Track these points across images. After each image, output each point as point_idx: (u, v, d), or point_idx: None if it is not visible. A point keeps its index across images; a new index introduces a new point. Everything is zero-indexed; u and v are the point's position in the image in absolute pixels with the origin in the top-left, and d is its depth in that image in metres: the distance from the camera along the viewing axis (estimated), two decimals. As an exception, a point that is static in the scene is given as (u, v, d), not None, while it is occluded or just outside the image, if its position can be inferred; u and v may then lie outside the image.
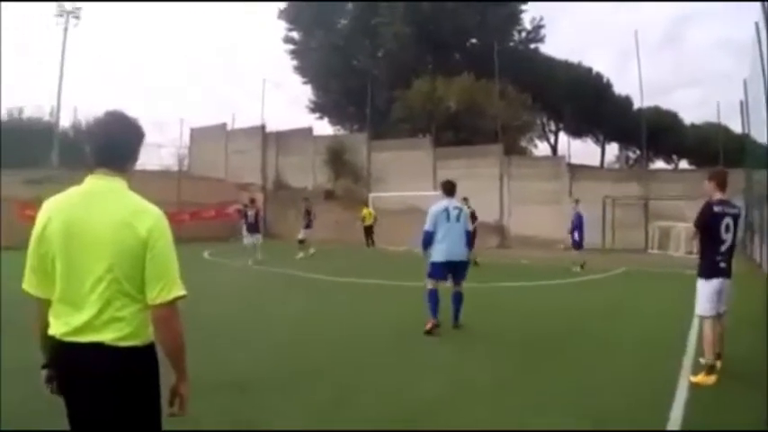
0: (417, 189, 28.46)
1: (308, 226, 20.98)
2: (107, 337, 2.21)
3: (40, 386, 2.45)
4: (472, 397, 5.33)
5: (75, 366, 2.25)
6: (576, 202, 18.98)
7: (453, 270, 8.20)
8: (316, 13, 44.71)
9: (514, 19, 43.88)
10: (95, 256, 2.23)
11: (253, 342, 7.59)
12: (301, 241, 20.61)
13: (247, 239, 19.11)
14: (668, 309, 9.74)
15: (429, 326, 7.85)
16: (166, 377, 2.41)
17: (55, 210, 2.31)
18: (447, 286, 8.33)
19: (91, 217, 2.26)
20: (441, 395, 5.35)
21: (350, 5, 45.18)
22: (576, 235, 17.89)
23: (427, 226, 8.14)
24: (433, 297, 8.03)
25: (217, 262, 19.48)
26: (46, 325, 2.32)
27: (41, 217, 2.32)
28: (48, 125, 39.51)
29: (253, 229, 19.07)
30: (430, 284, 8.14)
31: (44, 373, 2.43)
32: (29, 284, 2.37)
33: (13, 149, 37.69)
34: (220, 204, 31.74)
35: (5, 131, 39.33)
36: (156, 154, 57.97)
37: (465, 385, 5.68)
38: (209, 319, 8.72)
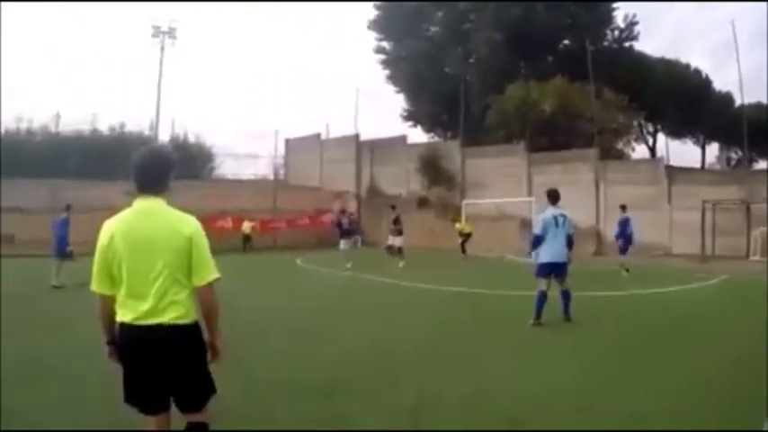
0: (512, 195, 28.43)
1: (400, 233, 20.83)
2: (167, 318, 3.05)
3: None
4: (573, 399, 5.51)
5: (143, 343, 3.05)
6: (623, 208, 18.59)
7: (556, 270, 9.34)
8: (405, 22, 45.21)
9: (607, 18, 42.88)
10: (153, 258, 3.06)
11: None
12: (390, 247, 20.88)
13: (343, 245, 19.95)
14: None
15: (532, 322, 9.10)
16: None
17: (115, 227, 3.14)
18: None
19: (145, 229, 3.09)
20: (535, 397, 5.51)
21: (440, 13, 45.41)
22: (621, 241, 17.98)
23: (538, 230, 9.44)
24: (542, 298, 9.16)
25: (307, 268, 20.28)
26: (112, 314, 3.16)
27: (105, 233, 3.16)
28: (148, 139, 41.60)
29: (347, 235, 20.13)
30: (542, 285, 9.22)
31: (107, 348, 3.27)
32: (96, 286, 3.19)
33: (117, 162, 40.00)
34: (315, 212, 32.72)
35: (109, 145, 41.82)
36: (253, 164, 60.23)
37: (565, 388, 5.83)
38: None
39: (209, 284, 3.15)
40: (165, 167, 3.28)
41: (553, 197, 9.57)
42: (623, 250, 17.99)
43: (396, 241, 20.76)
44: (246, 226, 29.42)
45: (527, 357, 7.47)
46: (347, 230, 20.21)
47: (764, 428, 4.63)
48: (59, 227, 14.44)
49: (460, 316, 10.94)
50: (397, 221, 21.08)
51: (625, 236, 17.93)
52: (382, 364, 7.01)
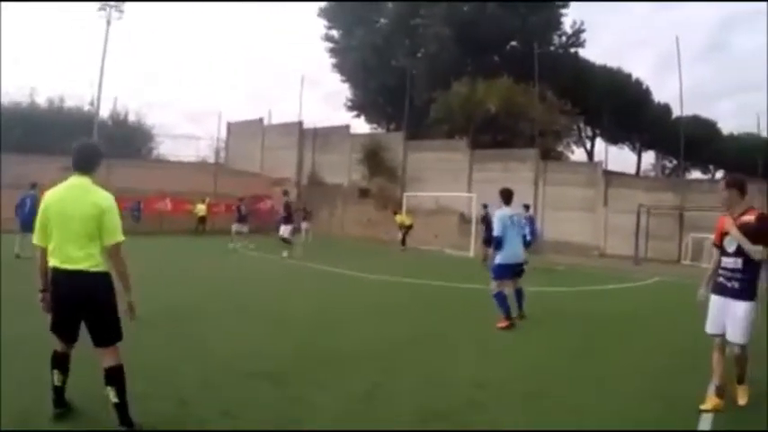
0: (452, 190, 28.54)
1: (288, 222, 19.58)
2: (82, 265, 3.97)
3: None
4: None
5: (64, 283, 4.01)
6: (527, 207, 19.09)
7: (514, 270, 9.20)
8: (355, 12, 44.95)
9: (555, 23, 43.49)
10: (75, 220, 3.98)
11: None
12: (286, 240, 19.26)
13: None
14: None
15: (504, 324, 8.59)
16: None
17: (51, 195, 4.11)
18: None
19: (72, 199, 4.04)
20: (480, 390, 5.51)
21: (390, 5, 45.31)
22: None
23: (497, 231, 8.99)
24: (503, 298, 8.80)
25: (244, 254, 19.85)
26: (46, 263, 4.11)
27: (44, 199, 4.14)
28: (88, 115, 40.25)
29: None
30: (497, 287, 8.85)
31: (40, 295, 4.19)
32: (36, 239, 4.14)
33: (53, 137, 38.60)
34: (254, 198, 32.15)
35: (47, 118, 40.31)
36: (194, 146, 59.12)
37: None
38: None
39: (115, 245, 4.07)
40: (94, 155, 4.26)
41: (506, 197, 9.25)
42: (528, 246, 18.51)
43: (284, 230, 19.47)
44: (200, 208, 28.56)
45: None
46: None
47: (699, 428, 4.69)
48: (27, 203, 15.01)
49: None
50: (287, 209, 19.84)
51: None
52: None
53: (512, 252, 9.01)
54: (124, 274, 4.14)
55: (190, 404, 4.72)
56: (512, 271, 9.13)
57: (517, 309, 9.19)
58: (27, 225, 14.11)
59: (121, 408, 4.01)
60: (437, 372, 6.08)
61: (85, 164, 4.19)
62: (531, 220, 18.70)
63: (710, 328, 5.24)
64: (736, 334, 5.03)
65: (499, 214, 9.13)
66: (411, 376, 5.86)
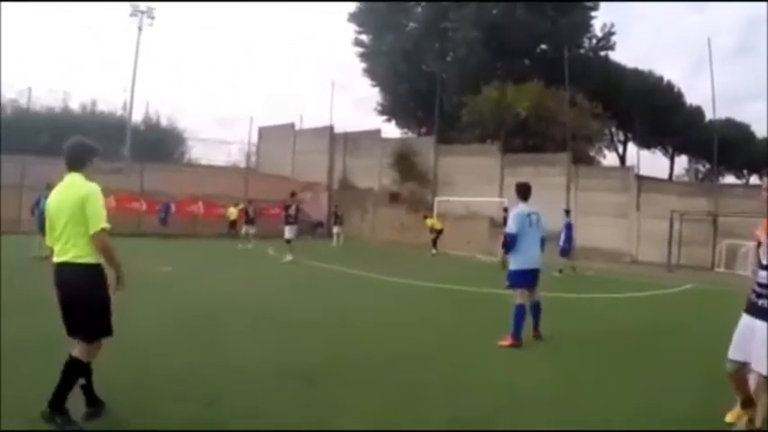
0: (483, 195, 28.57)
1: (291, 223, 19.63)
2: (68, 256, 4.14)
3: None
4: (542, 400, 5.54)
5: (56, 275, 4.21)
6: (567, 212, 19.21)
7: (532, 278, 8.01)
8: (385, 17, 45.12)
9: (585, 26, 43.25)
10: (64, 215, 4.15)
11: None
12: (288, 241, 19.37)
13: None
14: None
15: (508, 342, 7.56)
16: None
17: (50, 198, 4.32)
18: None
19: (63, 195, 4.23)
20: (509, 396, 5.60)
21: (419, 9, 45.44)
22: (565, 243, 18.62)
23: (512, 228, 7.86)
24: (522, 313, 7.67)
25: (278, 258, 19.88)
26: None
27: (47, 203, 4.35)
28: (120, 119, 40.96)
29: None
30: (519, 298, 7.78)
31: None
32: (48, 241, 4.37)
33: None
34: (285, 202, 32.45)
35: (81, 123, 41.05)
36: (225, 150, 59.69)
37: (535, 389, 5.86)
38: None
39: (98, 232, 4.13)
40: (82, 151, 4.43)
41: (523, 192, 8.13)
42: (563, 253, 18.61)
43: (288, 232, 19.49)
44: (232, 212, 28.93)
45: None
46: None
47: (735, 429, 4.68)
48: (41, 203, 14.47)
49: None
50: (286, 209, 20.04)
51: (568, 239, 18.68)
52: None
53: (528, 256, 7.85)
54: (112, 260, 4.26)
55: (216, 405, 4.77)
56: (529, 278, 7.92)
57: (533, 325, 8.07)
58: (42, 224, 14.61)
59: (57, 396, 4.06)
60: (467, 377, 6.14)
61: (75, 161, 4.35)
62: (569, 227, 18.75)
63: (732, 352, 4.46)
64: (760, 363, 4.19)
65: (516, 211, 8.04)
66: (441, 381, 5.90)
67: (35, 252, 14.16)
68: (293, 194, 20.64)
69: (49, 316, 4.58)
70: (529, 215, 7.93)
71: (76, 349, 4.17)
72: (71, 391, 4.12)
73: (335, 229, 29.17)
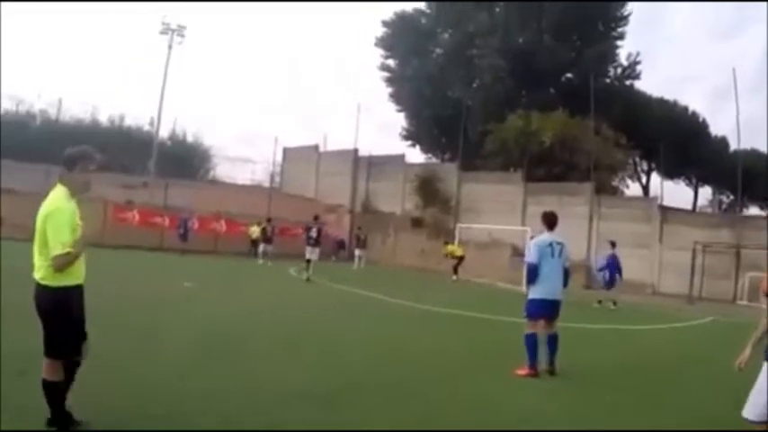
0: (506, 223, 28.60)
1: (312, 244, 20.32)
2: (37, 276, 3.99)
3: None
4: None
5: (34, 293, 4.03)
6: (613, 244, 19.19)
7: (550, 308, 7.76)
8: (412, 42, 45.58)
9: (611, 55, 43.40)
10: (36, 233, 3.96)
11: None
12: (308, 261, 20.04)
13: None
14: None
15: (525, 372, 7.41)
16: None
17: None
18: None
19: (39, 213, 3.99)
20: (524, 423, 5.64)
21: (446, 36, 45.85)
22: (607, 275, 18.62)
23: (533, 258, 7.72)
24: (533, 342, 7.53)
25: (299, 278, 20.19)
26: None
27: None
28: (147, 135, 41.65)
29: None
30: (529, 328, 7.66)
31: None
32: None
33: (114, 155, 40.04)
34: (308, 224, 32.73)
35: (109, 136, 41.85)
36: (249, 169, 60.24)
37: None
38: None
39: (53, 258, 3.86)
40: (67, 160, 4.14)
41: (549, 221, 8.01)
42: (609, 285, 18.65)
43: (311, 253, 20.13)
44: (254, 231, 29.28)
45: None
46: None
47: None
48: None
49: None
50: (307, 230, 21.04)
51: (612, 271, 18.58)
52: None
53: (548, 285, 7.60)
54: (77, 256, 4.03)
55: (234, 422, 4.77)
56: (548, 309, 7.67)
57: (548, 359, 7.66)
58: None
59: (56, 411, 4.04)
60: (483, 404, 6.20)
61: (67, 162, 4.15)
62: (614, 259, 18.69)
63: (748, 410, 4.03)
64: None
65: (537, 240, 7.95)
66: (461, 408, 5.93)
67: None
68: (316, 218, 21.24)
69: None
70: (551, 244, 7.72)
71: (44, 362, 4.06)
72: (62, 405, 4.10)
73: (357, 252, 29.38)
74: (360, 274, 23.32)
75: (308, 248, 20.07)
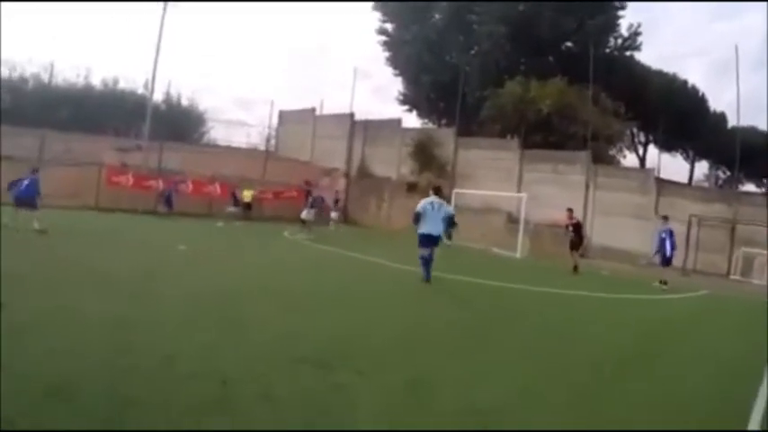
0: (502, 189, 28.50)
1: (312, 206, 23.14)
2: None
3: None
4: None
5: None
6: (665, 218, 18.84)
7: (430, 241, 12.15)
8: (411, 7, 44.99)
9: (612, 25, 42.97)
10: None
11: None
12: (303, 221, 22.59)
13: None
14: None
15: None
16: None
17: None
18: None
19: None
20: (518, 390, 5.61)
21: (445, 1, 45.26)
22: (669, 249, 17.94)
23: (418, 209, 12.31)
24: (425, 261, 12.22)
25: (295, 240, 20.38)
26: None
27: None
28: (141, 98, 41.16)
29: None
30: (422, 251, 12.24)
31: None
32: None
33: (108, 118, 39.72)
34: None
35: (102, 100, 41.47)
36: (245, 132, 59.90)
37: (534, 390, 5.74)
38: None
39: None
40: None
41: (435, 190, 12.83)
42: (667, 262, 18.10)
43: (307, 213, 22.75)
44: (247, 194, 29.25)
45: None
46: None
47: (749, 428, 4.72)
48: (33, 185, 15.86)
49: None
50: (308, 195, 23.83)
51: (665, 247, 18.02)
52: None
53: (428, 226, 12.24)
54: None
55: (230, 385, 4.74)
56: (428, 239, 12.28)
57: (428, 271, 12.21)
58: (19, 201, 15.79)
59: None
60: (478, 367, 6.19)
61: None
62: (671, 234, 18.28)
63: None
64: None
65: (423, 200, 12.86)
66: (451, 371, 5.94)
67: (5, 220, 15.03)
68: (307, 182, 22.91)
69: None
70: (431, 203, 12.33)
71: None
72: None
73: (333, 214, 29.72)
74: (347, 237, 23.76)
75: (306, 210, 22.13)
